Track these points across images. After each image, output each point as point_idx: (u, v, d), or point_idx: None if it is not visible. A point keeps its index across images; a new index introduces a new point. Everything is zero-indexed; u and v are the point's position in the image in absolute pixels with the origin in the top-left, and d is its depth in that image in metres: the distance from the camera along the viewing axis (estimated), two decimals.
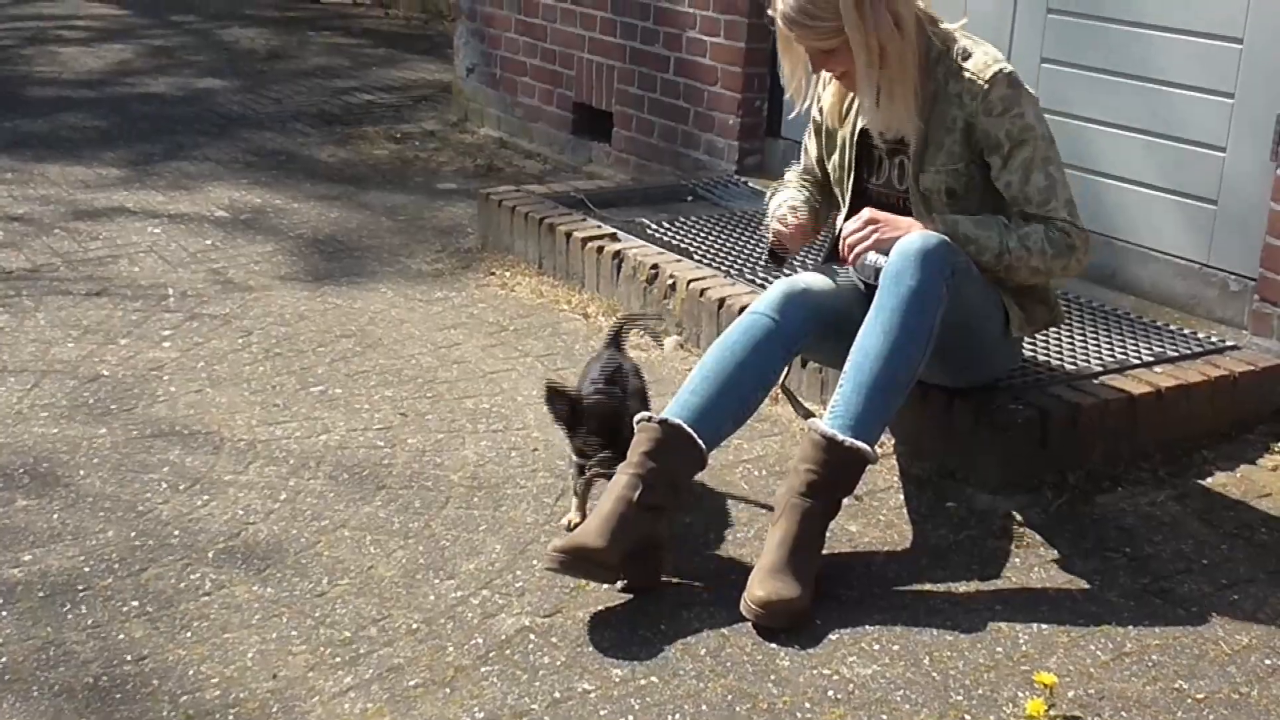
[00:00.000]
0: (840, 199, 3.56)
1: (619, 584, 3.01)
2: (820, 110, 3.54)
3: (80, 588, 3.01)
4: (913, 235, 3.17)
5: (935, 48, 3.30)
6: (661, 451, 3.06)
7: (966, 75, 3.27)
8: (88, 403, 3.90)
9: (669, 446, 3.08)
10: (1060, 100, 4.51)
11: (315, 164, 6.49)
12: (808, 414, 3.71)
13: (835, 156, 3.54)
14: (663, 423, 3.09)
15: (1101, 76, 4.41)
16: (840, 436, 3.05)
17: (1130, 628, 2.96)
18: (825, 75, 3.40)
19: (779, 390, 3.61)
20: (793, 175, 3.74)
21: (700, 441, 3.10)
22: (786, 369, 3.44)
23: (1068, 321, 4.09)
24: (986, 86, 3.25)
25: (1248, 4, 4.00)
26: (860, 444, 3.05)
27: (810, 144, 3.65)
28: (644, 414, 3.13)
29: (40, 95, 7.64)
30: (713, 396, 3.16)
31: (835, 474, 3.07)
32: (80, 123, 7.07)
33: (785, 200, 3.59)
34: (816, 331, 3.31)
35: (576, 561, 2.90)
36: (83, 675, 2.71)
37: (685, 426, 3.09)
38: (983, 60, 3.28)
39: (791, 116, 3.81)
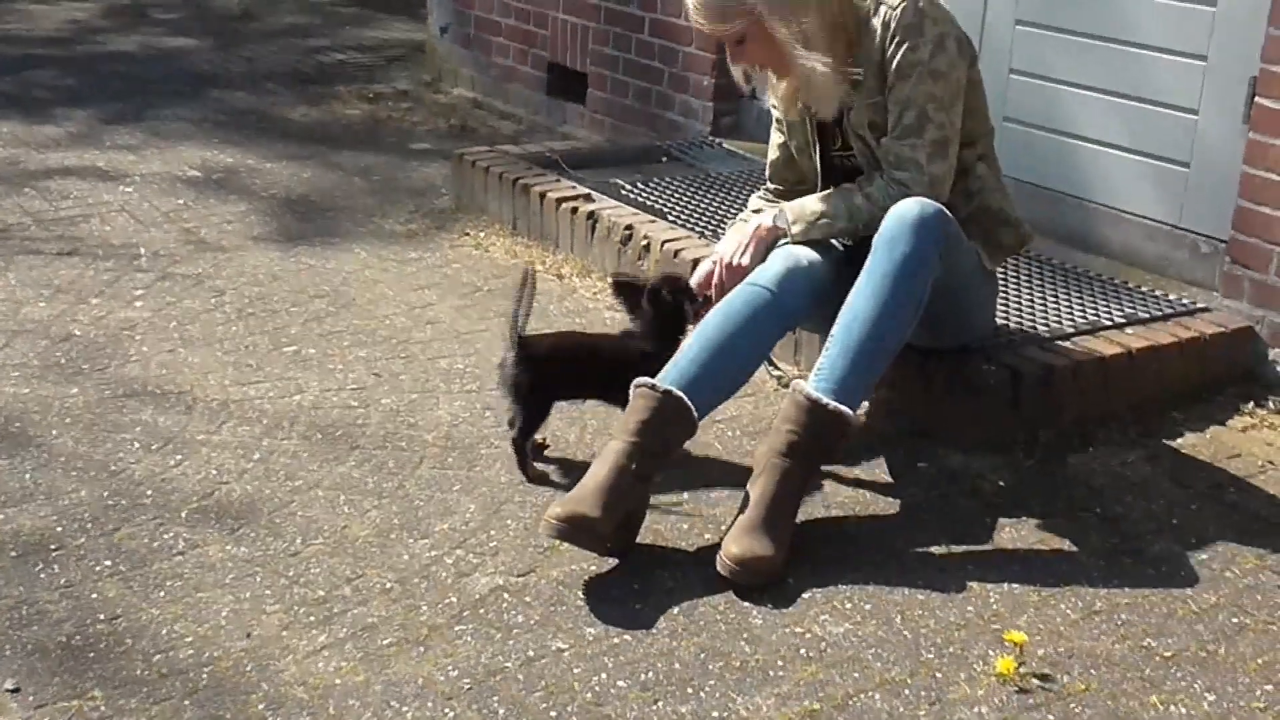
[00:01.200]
0: (814, 176, 3.55)
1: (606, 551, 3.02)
2: (775, 106, 3.53)
3: (53, 547, 3.00)
4: (909, 202, 3.17)
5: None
6: (659, 421, 3.07)
7: (882, 6, 3.28)
8: (59, 362, 3.88)
9: (667, 416, 3.08)
10: (1034, 62, 4.51)
11: (288, 124, 6.45)
12: (783, 380, 3.73)
13: (799, 140, 3.54)
14: (665, 393, 3.09)
15: (1075, 39, 4.41)
16: (824, 399, 3.06)
17: (1100, 587, 2.99)
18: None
19: None
20: (758, 201, 3.69)
21: (695, 412, 3.11)
22: None
23: (1040, 283, 4.11)
24: (895, 14, 3.26)
25: None
26: (843, 408, 3.06)
27: (775, 138, 3.62)
28: (644, 380, 3.12)
29: (9, 53, 7.57)
30: (710, 367, 3.16)
31: (816, 436, 3.08)
32: (50, 81, 7.01)
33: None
34: (815, 304, 3.31)
35: (574, 530, 2.91)
36: (55, 634, 2.71)
37: (684, 398, 3.09)
38: None
39: (745, 94, 3.83)
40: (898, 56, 3.26)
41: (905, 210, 3.15)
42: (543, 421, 3.36)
